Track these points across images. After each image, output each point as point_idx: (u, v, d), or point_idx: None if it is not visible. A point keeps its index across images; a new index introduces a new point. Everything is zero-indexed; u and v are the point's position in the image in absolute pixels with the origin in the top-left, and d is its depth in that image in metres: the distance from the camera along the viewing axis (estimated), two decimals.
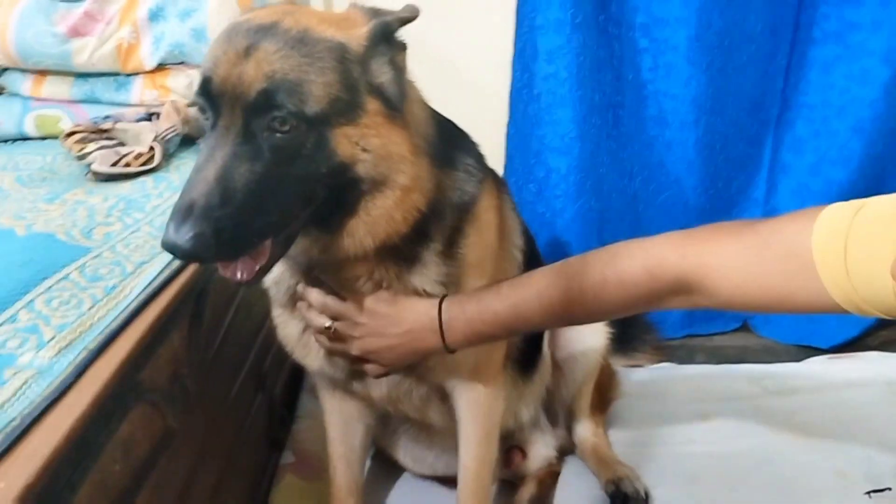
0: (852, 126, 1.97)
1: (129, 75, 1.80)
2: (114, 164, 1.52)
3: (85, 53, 1.75)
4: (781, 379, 1.83)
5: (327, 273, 1.08)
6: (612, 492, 1.50)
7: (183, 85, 1.77)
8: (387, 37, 0.97)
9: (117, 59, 1.76)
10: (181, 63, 1.78)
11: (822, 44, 1.97)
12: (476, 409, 1.24)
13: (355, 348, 1.14)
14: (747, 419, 1.69)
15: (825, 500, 1.46)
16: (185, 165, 1.62)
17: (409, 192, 1.00)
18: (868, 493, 1.47)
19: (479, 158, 1.20)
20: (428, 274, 1.10)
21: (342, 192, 0.96)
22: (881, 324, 2.14)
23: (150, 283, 1.09)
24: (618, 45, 1.97)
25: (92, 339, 0.94)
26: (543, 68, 1.95)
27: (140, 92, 1.79)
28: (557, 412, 1.59)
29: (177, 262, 1.14)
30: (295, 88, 0.89)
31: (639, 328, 2.07)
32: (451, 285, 1.12)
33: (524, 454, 1.51)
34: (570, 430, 1.61)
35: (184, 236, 0.83)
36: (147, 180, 1.52)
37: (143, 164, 1.56)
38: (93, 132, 1.63)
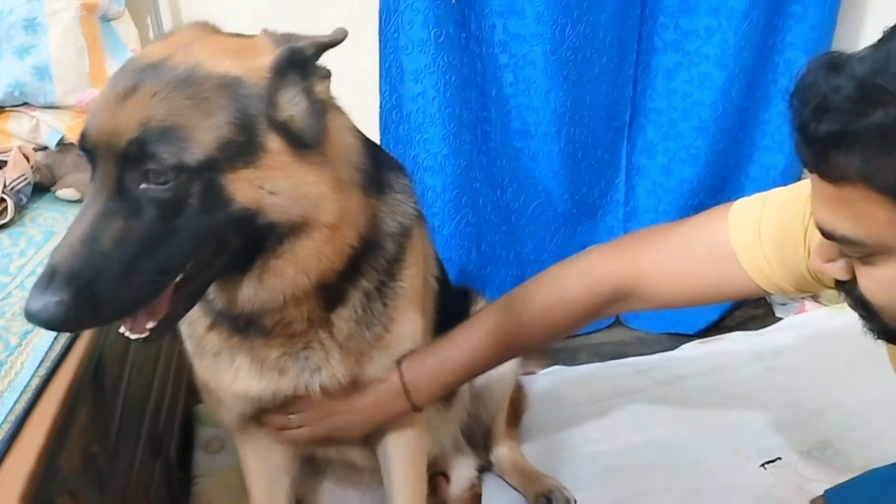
0: (697, 127, 2.13)
1: None
2: None
3: None
4: (665, 368, 1.94)
5: (259, 321, 1.00)
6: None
7: (27, 129, 1.60)
8: (299, 65, 0.88)
9: None
10: (24, 104, 1.60)
11: (662, 52, 2.12)
12: (406, 450, 1.22)
13: (321, 429, 1.12)
14: (643, 411, 1.77)
15: (727, 476, 1.56)
16: (41, 217, 1.46)
17: (337, 229, 0.93)
18: (762, 464, 1.58)
19: (410, 179, 1.14)
20: (367, 311, 1.05)
21: (258, 237, 0.88)
22: (734, 306, 2.33)
23: (45, 356, 0.96)
24: (480, 62, 2.00)
25: None
26: (411, 88, 1.94)
27: None
28: (475, 432, 1.58)
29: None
30: (172, 136, 0.79)
31: None
32: (390, 321, 1.08)
33: (447, 479, 1.49)
34: (485, 447, 1.61)
35: (42, 305, 0.75)
36: (1, 238, 1.35)
37: None
38: None
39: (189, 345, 1.09)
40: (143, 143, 0.79)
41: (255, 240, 0.88)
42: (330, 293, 1.01)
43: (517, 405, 1.69)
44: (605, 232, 2.30)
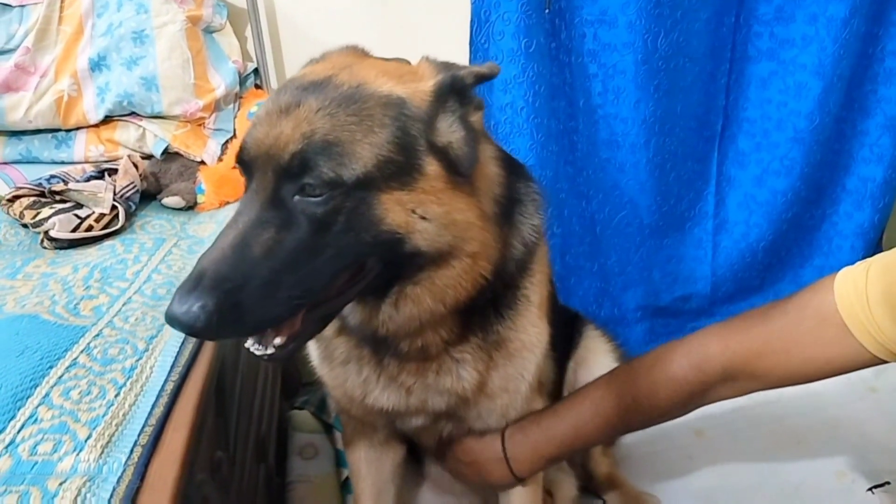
0: (791, 137, 2.06)
1: (69, 130, 1.66)
2: (74, 230, 1.39)
3: (20, 110, 1.61)
4: None
5: (395, 344, 1.01)
6: None
7: (133, 138, 1.65)
8: (458, 92, 0.89)
9: (57, 114, 1.63)
10: (131, 114, 1.65)
11: (757, 61, 2.06)
12: None
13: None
14: (741, 430, 1.72)
15: (831, 500, 1.51)
16: (150, 224, 1.50)
17: (478, 259, 0.92)
18: (870, 489, 1.52)
19: (537, 183, 1.12)
20: (495, 319, 1.06)
21: (398, 264, 0.88)
22: None
23: (175, 361, 0.98)
24: (569, 71, 1.98)
25: (139, 433, 0.83)
26: (500, 98, 1.93)
27: (84, 148, 1.66)
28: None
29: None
30: (334, 150, 0.80)
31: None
32: (515, 328, 1.08)
33: (551, 496, 1.47)
34: (583, 465, 1.59)
35: (185, 309, 0.74)
36: (115, 244, 1.40)
37: (106, 226, 1.43)
38: (40, 195, 1.48)
39: (314, 348, 1.10)
40: (304, 155, 0.80)
41: (395, 266, 0.88)
42: (462, 313, 1.01)
43: None
44: (693, 244, 2.25)
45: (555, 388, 1.38)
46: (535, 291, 1.11)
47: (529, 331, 1.12)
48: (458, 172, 0.88)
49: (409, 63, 0.96)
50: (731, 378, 1.10)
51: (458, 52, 1.92)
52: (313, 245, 0.81)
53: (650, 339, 2.27)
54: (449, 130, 0.88)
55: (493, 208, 0.96)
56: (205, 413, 0.93)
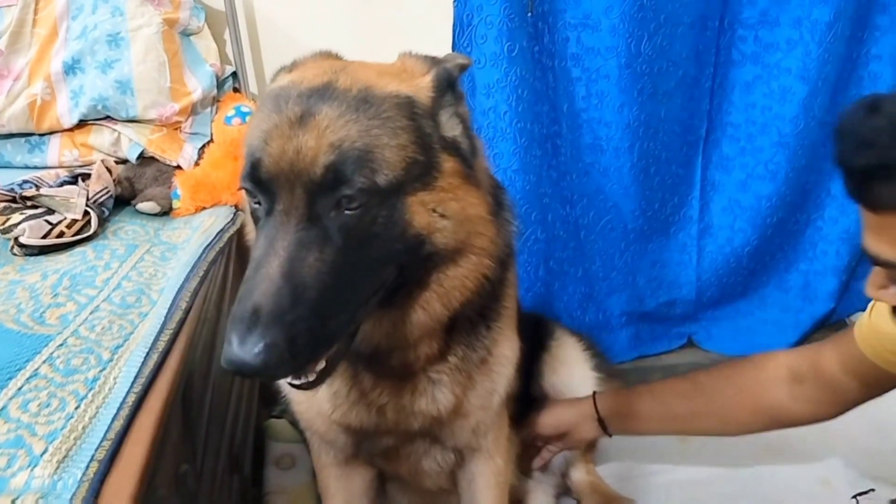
0: (776, 142, 2.06)
1: (43, 135, 1.63)
2: (45, 236, 1.36)
3: None
4: None
5: (384, 359, 0.98)
6: None
7: (108, 142, 1.63)
8: (451, 86, 0.89)
9: (30, 118, 1.60)
10: (106, 118, 1.62)
11: (741, 65, 2.05)
12: (494, 478, 1.20)
13: None
14: (724, 438, 1.70)
15: None
16: (123, 230, 1.48)
17: (483, 256, 0.91)
18: (854, 496, 1.50)
19: (510, 202, 1.09)
20: (474, 335, 1.04)
21: (416, 267, 0.86)
22: (814, 328, 2.24)
23: (139, 371, 0.95)
24: (552, 75, 1.97)
25: (96, 448, 0.81)
26: (483, 102, 1.91)
27: (58, 152, 1.64)
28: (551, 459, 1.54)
29: (162, 344, 1.01)
30: (366, 158, 0.78)
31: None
32: (493, 343, 1.06)
33: None
34: (562, 473, 1.56)
35: (253, 350, 0.69)
36: (86, 250, 1.37)
37: (77, 232, 1.40)
38: (11, 201, 1.46)
39: None
40: (338, 166, 0.77)
41: (409, 271, 0.86)
42: (448, 328, 0.99)
43: None
44: (678, 249, 2.24)
45: (520, 400, 1.35)
46: (511, 302, 1.10)
47: (506, 344, 1.10)
48: (468, 166, 0.88)
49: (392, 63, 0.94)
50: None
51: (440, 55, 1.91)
52: (355, 260, 0.78)
53: (635, 344, 2.26)
54: (451, 124, 0.88)
55: (492, 200, 0.95)
56: (168, 425, 0.91)
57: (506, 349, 1.11)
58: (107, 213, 1.48)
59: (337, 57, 0.98)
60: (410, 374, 1.01)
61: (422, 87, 0.86)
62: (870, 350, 1.19)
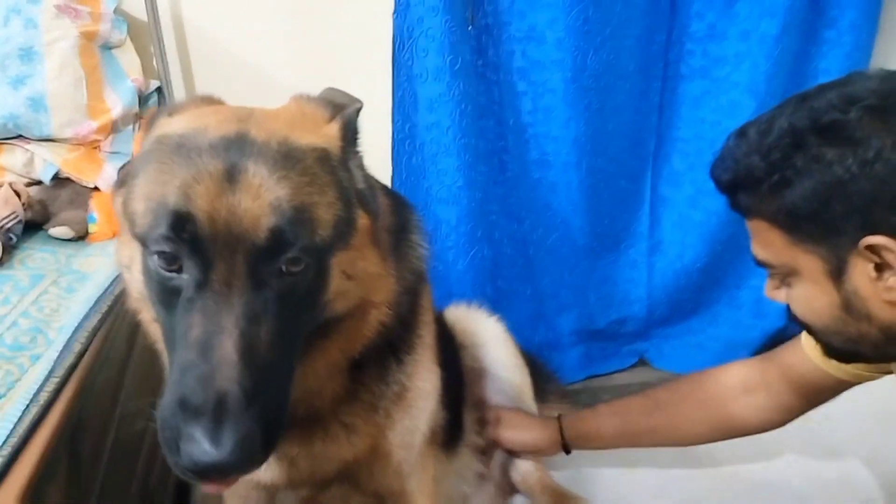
0: None
1: None
2: None
3: None
4: None
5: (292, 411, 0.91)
6: None
7: (21, 163, 1.53)
8: (356, 134, 0.86)
9: None
10: (18, 137, 1.53)
11: (689, 79, 2.02)
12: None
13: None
14: (671, 470, 1.66)
15: None
16: (31, 258, 1.39)
17: (381, 306, 0.89)
18: None
19: (417, 212, 1.09)
20: (387, 369, 0.99)
21: (316, 329, 0.83)
22: (766, 345, 2.20)
23: (13, 431, 0.87)
24: (497, 89, 1.92)
25: None
26: (425, 118, 1.86)
27: None
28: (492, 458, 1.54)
29: (45, 395, 0.93)
30: (304, 217, 0.74)
31: (539, 377, 1.97)
32: (409, 377, 1.02)
33: None
34: (503, 469, 1.54)
35: (229, 446, 0.63)
36: None
37: None
38: None
39: None
40: (282, 228, 0.72)
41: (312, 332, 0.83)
42: (354, 366, 0.95)
43: None
44: (628, 266, 2.19)
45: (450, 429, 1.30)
46: (427, 331, 1.06)
47: (424, 376, 1.06)
48: (375, 220, 0.85)
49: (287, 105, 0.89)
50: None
51: (380, 69, 1.84)
52: (295, 322, 0.75)
53: (586, 363, 2.22)
54: (359, 175, 0.85)
55: (387, 242, 0.90)
56: (46, 483, 0.83)
57: (424, 381, 1.06)
58: (14, 239, 1.39)
59: (219, 101, 0.91)
60: (319, 419, 0.95)
61: (331, 136, 0.82)
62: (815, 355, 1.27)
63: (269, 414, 0.68)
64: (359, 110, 0.87)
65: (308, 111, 0.85)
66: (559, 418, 1.51)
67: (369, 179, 0.89)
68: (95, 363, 1.02)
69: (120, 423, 1.13)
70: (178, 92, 1.74)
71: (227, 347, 0.68)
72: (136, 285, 0.82)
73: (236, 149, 0.74)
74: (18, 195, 1.43)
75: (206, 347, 0.68)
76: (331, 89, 0.91)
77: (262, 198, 0.71)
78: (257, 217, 0.71)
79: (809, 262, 0.94)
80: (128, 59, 1.62)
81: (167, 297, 0.74)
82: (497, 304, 2.01)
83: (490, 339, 1.55)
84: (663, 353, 2.24)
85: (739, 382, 1.38)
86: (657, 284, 2.20)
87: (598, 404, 1.55)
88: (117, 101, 1.56)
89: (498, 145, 1.96)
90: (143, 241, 0.75)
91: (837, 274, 0.93)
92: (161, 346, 0.87)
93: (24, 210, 1.43)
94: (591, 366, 2.21)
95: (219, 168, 0.72)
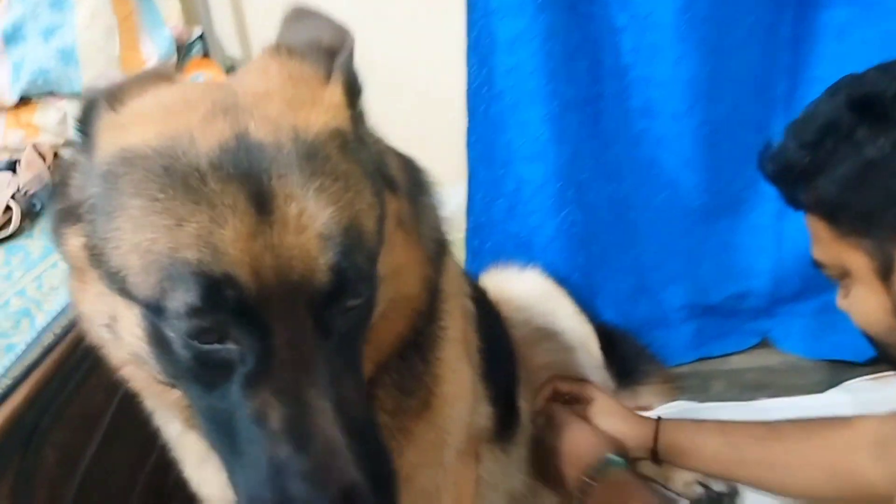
0: None
1: None
2: None
3: None
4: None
5: None
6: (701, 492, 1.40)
7: (54, 121, 1.43)
8: (359, 89, 0.68)
9: None
10: (50, 93, 1.42)
11: (832, 6, 1.66)
12: None
13: None
14: None
15: None
16: None
17: (413, 298, 0.75)
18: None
19: (429, 179, 0.88)
20: (407, 373, 0.82)
21: None
22: None
23: None
24: (591, 25, 1.66)
25: None
26: (504, 60, 1.64)
27: (2, 133, 1.43)
28: None
29: None
30: (357, 237, 0.59)
31: (636, 357, 1.77)
32: (434, 380, 0.84)
33: None
34: None
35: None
36: None
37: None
38: None
39: (188, 449, 0.86)
40: (341, 264, 0.57)
41: None
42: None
43: None
44: (751, 232, 1.89)
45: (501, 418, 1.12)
46: (454, 322, 0.86)
47: (452, 379, 0.86)
48: (405, 202, 0.72)
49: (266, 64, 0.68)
50: None
51: (453, 4, 1.63)
52: (361, 354, 0.65)
53: (696, 343, 1.95)
54: (371, 143, 0.68)
55: (409, 214, 0.74)
56: None
57: (453, 386, 0.87)
58: (39, 206, 1.28)
59: (167, 75, 0.69)
60: None
61: (337, 105, 0.63)
62: None
63: (385, 475, 0.60)
64: (352, 49, 0.66)
65: (295, 72, 0.65)
66: (658, 420, 1.31)
67: (379, 143, 0.71)
68: (65, 363, 0.87)
69: (108, 433, 0.99)
70: (227, 41, 1.58)
71: (330, 430, 0.56)
72: (130, 349, 0.64)
73: (247, 162, 0.57)
74: (43, 158, 1.32)
75: (300, 436, 0.55)
76: (299, 13, 0.70)
77: (307, 228, 0.56)
78: (310, 256, 0.56)
79: (857, 260, 0.88)
80: (166, 4, 1.46)
81: (205, 373, 0.59)
82: (591, 276, 1.86)
83: (536, 294, 1.34)
84: (791, 333, 1.92)
85: (873, 433, 1.14)
86: (787, 254, 1.87)
87: (707, 421, 1.30)
88: (153, 51, 1.43)
89: (592, 91, 1.73)
90: (152, 307, 0.58)
91: (885, 272, 0.86)
92: (184, 422, 0.74)
93: (51, 174, 1.32)
94: (703, 346, 1.94)
95: (241, 198, 0.55)
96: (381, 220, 0.63)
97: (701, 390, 1.78)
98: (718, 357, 1.91)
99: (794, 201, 0.94)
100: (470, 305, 0.97)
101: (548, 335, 1.34)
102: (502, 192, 1.76)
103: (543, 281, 1.37)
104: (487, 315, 1.09)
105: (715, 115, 1.73)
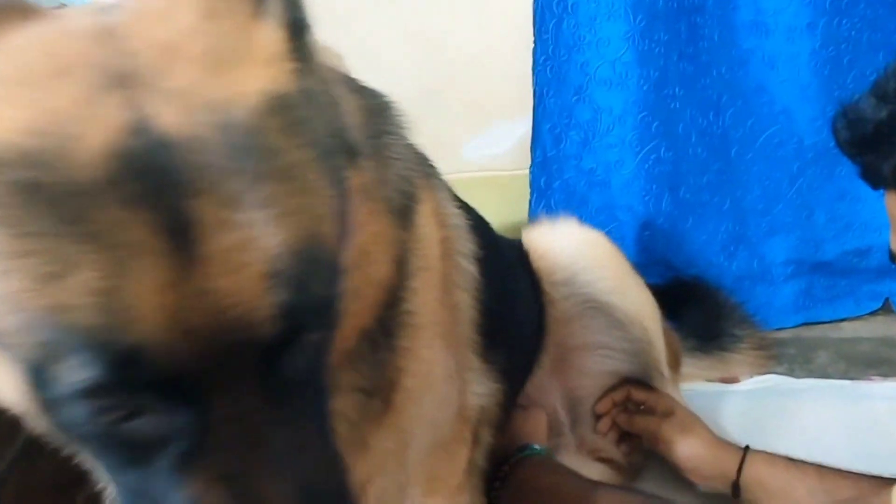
0: None
1: None
2: None
3: None
4: None
5: None
6: None
7: None
8: (305, 26, 0.49)
9: None
10: None
11: None
12: None
13: None
14: None
15: None
16: None
17: (385, 282, 0.62)
18: None
19: (395, 111, 0.71)
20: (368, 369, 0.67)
21: None
22: None
23: None
24: None
25: None
26: None
27: None
28: None
29: None
30: (314, 254, 0.44)
31: (726, 319, 1.56)
32: (397, 374, 0.69)
33: None
34: None
35: None
36: None
37: None
38: None
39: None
40: (292, 302, 0.42)
41: None
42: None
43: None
44: None
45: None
46: (424, 304, 0.69)
47: (417, 370, 0.70)
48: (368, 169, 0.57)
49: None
50: None
51: None
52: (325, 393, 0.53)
53: (803, 304, 1.73)
54: (325, 97, 0.51)
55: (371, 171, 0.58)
56: None
57: (419, 379, 0.71)
58: None
59: (25, 7, 0.47)
60: None
61: (272, 54, 0.45)
62: None
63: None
64: None
65: (212, 2, 0.46)
66: (745, 450, 1.13)
67: (330, 85, 0.52)
68: None
69: None
70: None
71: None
72: (15, 406, 0.49)
73: (154, 171, 0.39)
74: None
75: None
76: None
77: (247, 264, 0.40)
78: (253, 301, 0.41)
79: None
80: None
81: (121, 451, 0.45)
82: (677, 222, 1.66)
83: (584, 256, 1.13)
84: None
85: None
86: None
87: (804, 462, 1.11)
88: None
89: (687, 2, 1.51)
90: (37, 373, 0.42)
91: None
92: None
93: None
94: (809, 309, 1.71)
95: (149, 230, 0.39)
96: (343, 213, 0.48)
97: (802, 362, 1.56)
98: (827, 323, 1.70)
99: (874, 176, 0.80)
100: (469, 268, 0.81)
101: (593, 309, 1.14)
102: (575, 122, 1.58)
103: (596, 239, 1.16)
104: (509, 276, 0.95)
105: (840, 33, 1.53)
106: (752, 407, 1.30)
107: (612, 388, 1.22)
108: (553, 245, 1.11)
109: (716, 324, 1.53)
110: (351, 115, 0.55)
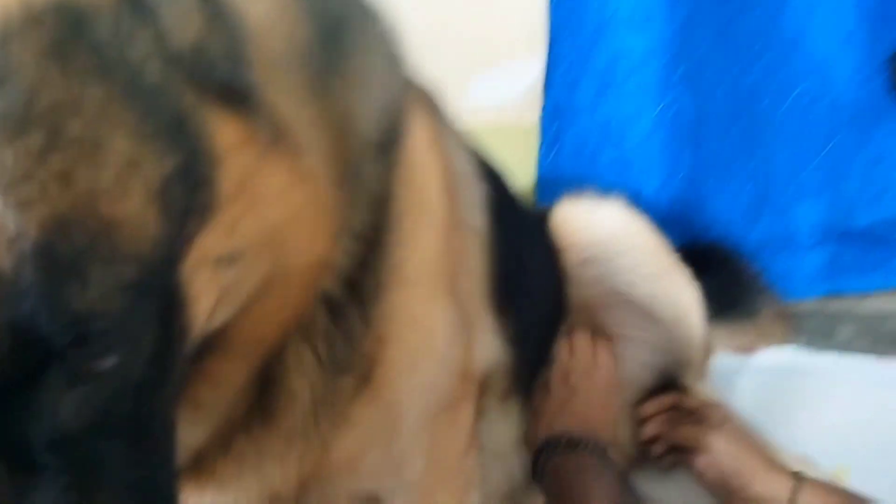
0: None
1: None
2: None
3: None
4: None
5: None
6: None
7: None
8: None
9: None
10: None
11: None
12: None
13: None
14: None
15: None
16: None
17: (314, 269, 0.51)
18: None
19: (385, 44, 0.58)
20: (338, 341, 0.57)
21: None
22: None
23: None
24: None
25: None
26: None
27: None
28: None
29: None
30: (83, 250, 0.33)
31: (746, 286, 1.50)
32: (379, 344, 0.58)
33: None
34: None
35: None
36: None
37: None
38: None
39: None
40: (32, 317, 0.33)
41: None
42: None
43: None
44: None
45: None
46: (415, 252, 0.59)
47: (406, 336, 0.60)
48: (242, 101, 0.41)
49: None
50: None
51: None
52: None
53: (830, 273, 1.64)
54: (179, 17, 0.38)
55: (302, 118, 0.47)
56: None
57: (410, 345, 0.61)
58: None
59: None
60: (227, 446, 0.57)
61: None
62: None
63: None
64: None
65: None
66: (796, 475, 1.04)
67: (220, 19, 0.40)
68: None
69: None
70: None
71: None
72: None
73: None
74: None
75: None
76: None
77: None
78: None
79: None
80: None
81: None
82: (698, 181, 1.57)
83: (628, 242, 1.04)
84: None
85: None
86: None
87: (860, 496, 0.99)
88: None
89: None
90: None
91: None
92: None
93: None
94: (836, 279, 1.63)
95: None
96: (179, 180, 0.37)
97: (823, 335, 1.49)
98: (853, 296, 1.62)
99: None
100: (475, 222, 0.72)
101: (626, 302, 1.05)
102: (591, 67, 1.48)
103: (642, 224, 1.07)
104: (525, 237, 0.88)
105: None
106: (769, 387, 1.24)
107: (658, 391, 1.15)
108: (594, 221, 1.03)
109: (734, 292, 1.46)
110: (264, 33, 0.43)
